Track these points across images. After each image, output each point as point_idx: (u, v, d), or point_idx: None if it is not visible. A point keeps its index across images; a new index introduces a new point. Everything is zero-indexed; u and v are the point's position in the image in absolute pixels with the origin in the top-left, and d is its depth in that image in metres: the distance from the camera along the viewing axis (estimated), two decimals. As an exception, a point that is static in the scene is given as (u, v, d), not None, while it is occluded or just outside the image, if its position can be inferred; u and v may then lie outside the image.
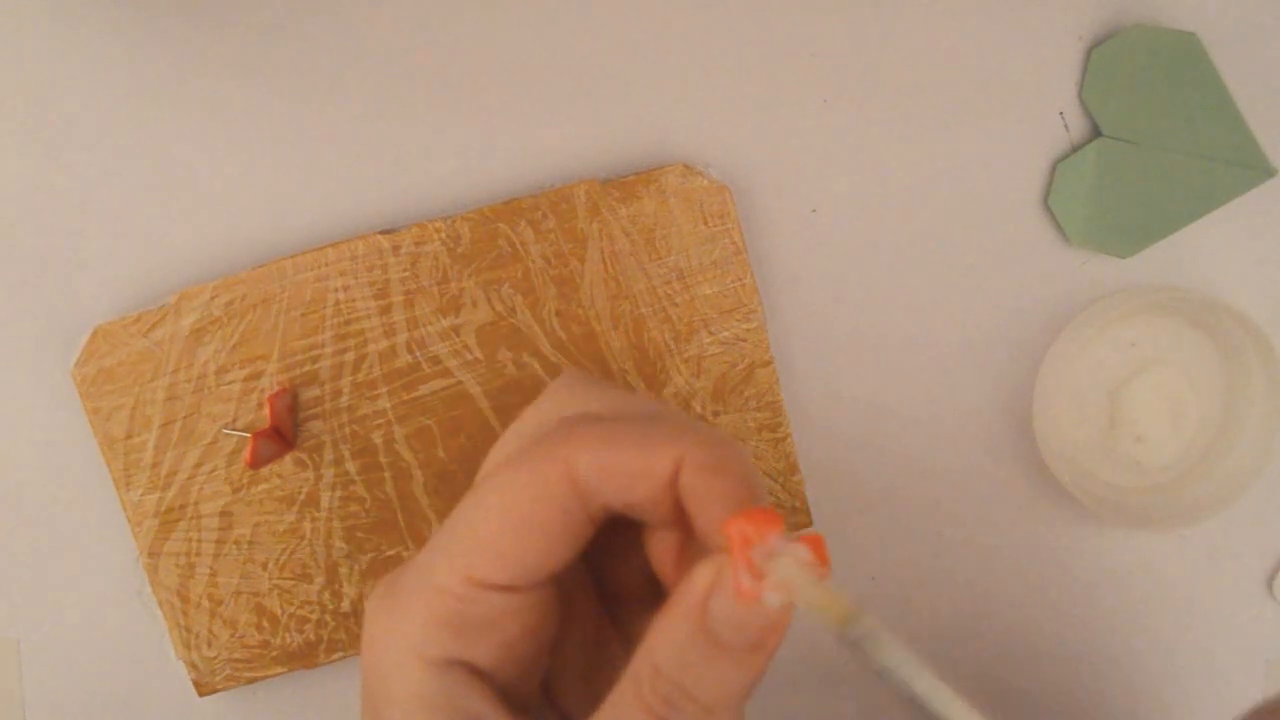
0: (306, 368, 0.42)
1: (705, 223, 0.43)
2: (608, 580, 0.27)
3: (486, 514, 0.23)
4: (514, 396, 0.43)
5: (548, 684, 0.26)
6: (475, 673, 0.24)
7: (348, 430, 0.43)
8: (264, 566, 0.43)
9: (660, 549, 0.25)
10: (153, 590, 0.43)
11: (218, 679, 0.44)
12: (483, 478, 0.25)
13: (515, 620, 0.24)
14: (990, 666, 0.47)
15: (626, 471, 0.23)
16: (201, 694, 0.44)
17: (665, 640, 0.22)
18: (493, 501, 0.23)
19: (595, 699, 0.26)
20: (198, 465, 0.42)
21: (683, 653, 0.22)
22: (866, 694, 0.47)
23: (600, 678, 0.27)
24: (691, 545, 0.24)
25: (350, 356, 0.42)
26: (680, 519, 0.24)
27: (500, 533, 0.23)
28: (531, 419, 0.26)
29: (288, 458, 0.42)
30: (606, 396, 0.26)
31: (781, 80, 0.44)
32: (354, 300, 0.42)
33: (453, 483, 0.43)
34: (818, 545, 0.22)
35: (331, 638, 0.44)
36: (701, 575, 0.22)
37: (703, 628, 0.22)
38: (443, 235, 0.42)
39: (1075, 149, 0.44)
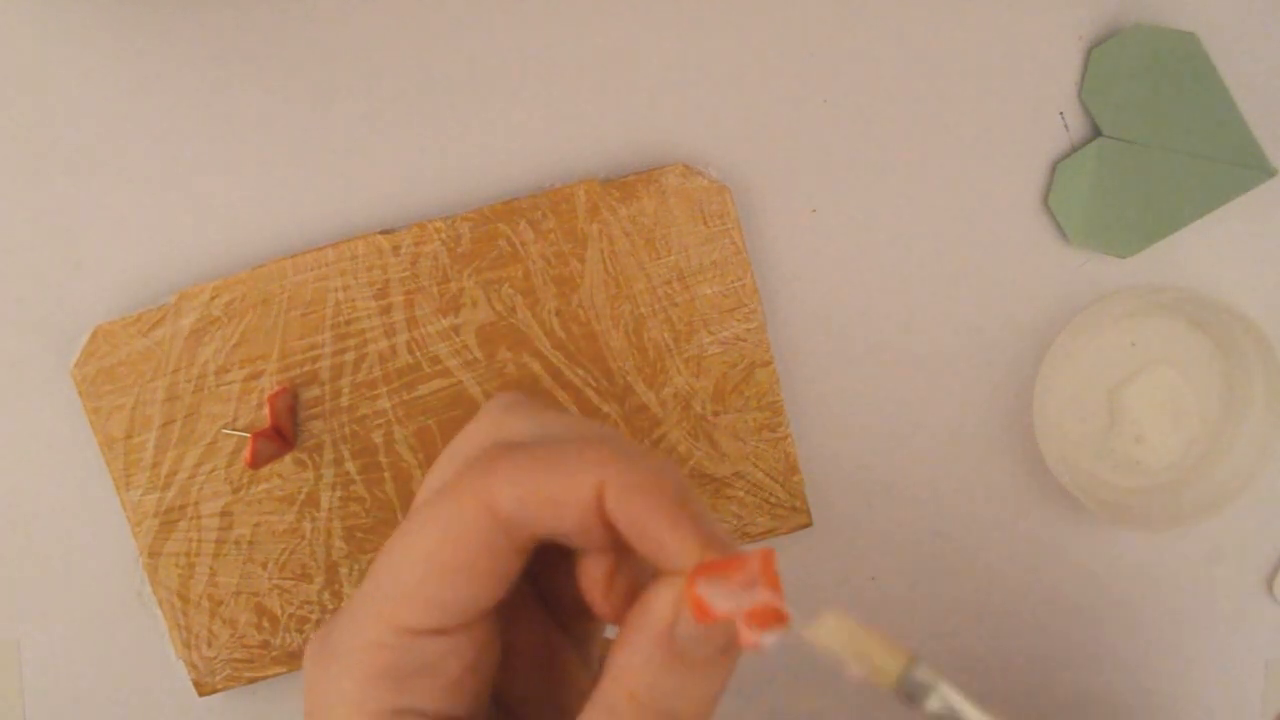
0: (306, 368, 0.42)
1: (705, 223, 0.43)
2: (550, 590, 0.27)
3: (410, 559, 0.23)
4: (514, 396, 0.43)
5: (502, 696, 0.26)
6: (424, 717, 0.23)
7: (348, 430, 0.43)
8: (264, 566, 0.43)
9: (589, 575, 0.24)
10: (153, 590, 0.43)
11: (218, 679, 0.44)
12: (412, 511, 0.25)
13: (455, 660, 0.23)
14: (990, 666, 0.47)
15: (548, 501, 0.22)
16: (201, 694, 0.44)
17: (636, 668, 0.22)
18: (415, 545, 0.23)
19: (554, 706, 0.26)
20: (198, 465, 0.42)
21: (657, 678, 0.22)
22: (863, 693, 0.47)
23: (555, 684, 0.27)
24: (624, 568, 0.24)
25: (350, 356, 0.42)
26: (613, 542, 0.23)
27: (425, 578, 0.22)
28: (463, 444, 0.26)
29: (288, 458, 0.42)
30: (537, 420, 0.25)
31: (781, 80, 0.44)
32: (354, 300, 0.42)
33: (453, 483, 0.43)
34: (768, 562, 0.21)
35: (331, 638, 0.44)
36: (662, 601, 0.22)
37: (673, 651, 0.22)
38: (443, 235, 0.42)
39: (1075, 149, 0.44)
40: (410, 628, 0.23)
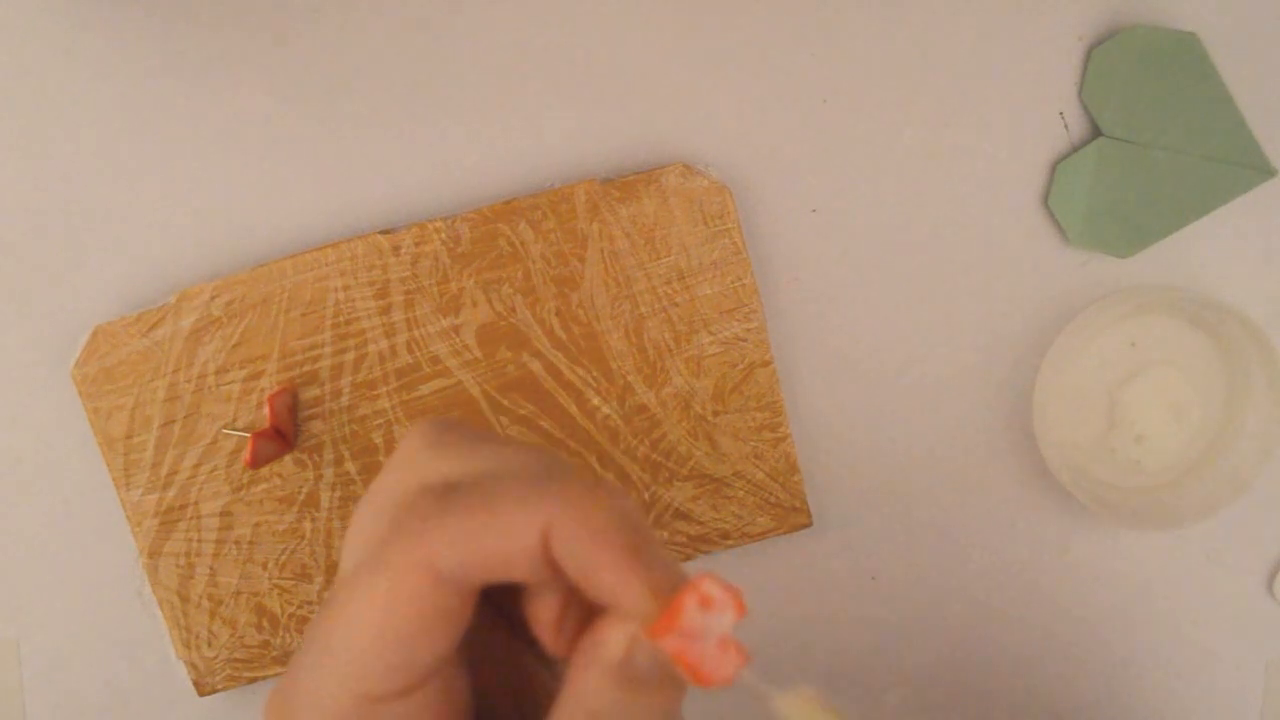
0: (306, 368, 0.42)
1: (705, 223, 0.43)
2: (510, 607, 0.27)
3: (361, 631, 0.22)
4: (514, 396, 0.43)
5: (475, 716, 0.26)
6: None
7: (348, 430, 0.43)
8: (264, 566, 0.43)
9: (538, 617, 0.24)
10: (153, 590, 0.43)
11: (218, 679, 0.44)
12: (351, 578, 0.24)
13: (426, 712, 0.23)
14: (990, 665, 0.47)
15: (491, 557, 0.22)
16: (201, 694, 0.44)
17: (593, 692, 0.22)
18: (364, 617, 0.22)
19: (525, 716, 0.26)
20: (198, 465, 0.42)
21: (616, 700, 0.22)
22: (865, 694, 0.47)
23: (525, 697, 0.27)
24: (573, 604, 0.24)
25: (350, 356, 0.42)
26: (561, 578, 0.23)
27: (381, 650, 0.22)
28: (385, 494, 0.25)
29: (288, 458, 0.42)
30: (464, 455, 0.25)
31: (781, 80, 0.44)
32: (354, 300, 0.42)
33: (453, 483, 0.43)
34: (736, 596, 0.22)
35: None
36: (615, 639, 0.22)
37: (629, 677, 0.22)
38: (443, 235, 0.42)
39: (1075, 149, 0.44)
40: (374, 695, 0.22)
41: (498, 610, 0.27)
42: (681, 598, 0.21)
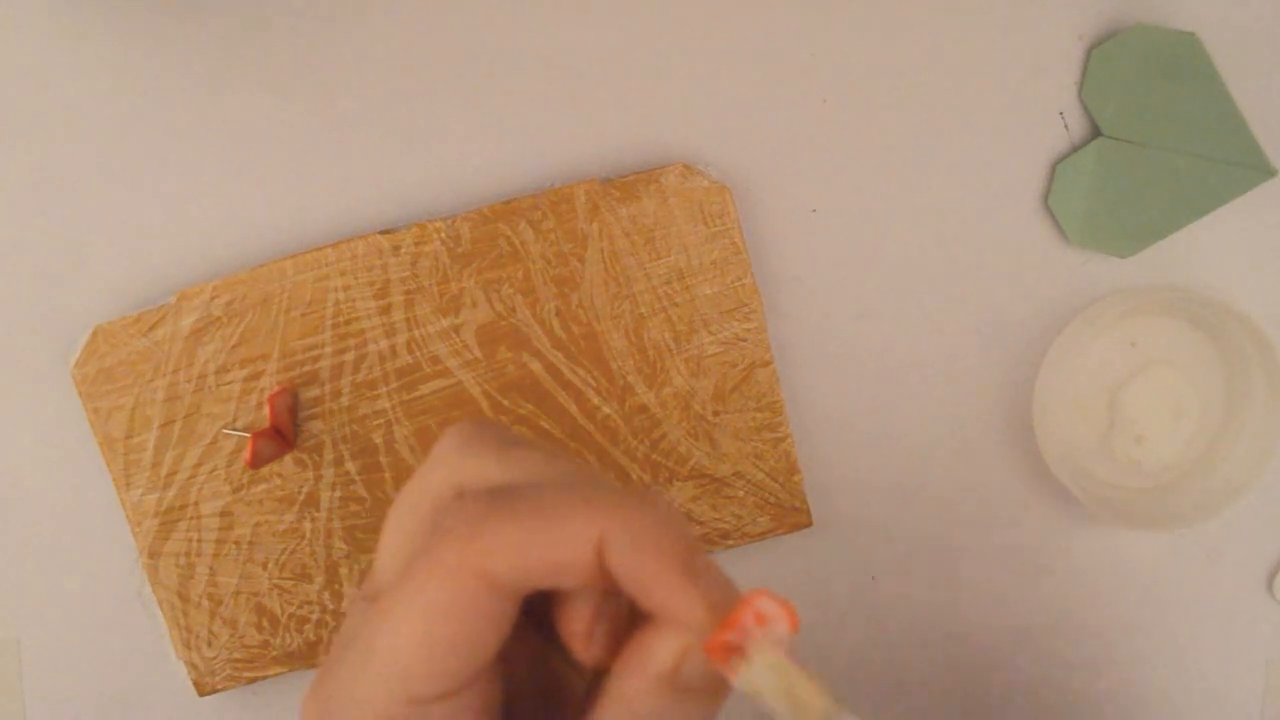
0: (306, 368, 0.42)
1: (705, 223, 0.43)
2: (532, 605, 0.27)
3: (411, 633, 0.23)
4: (514, 396, 0.43)
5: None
6: None
7: (348, 430, 0.43)
8: (264, 566, 0.43)
9: (569, 625, 0.24)
10: (153, 590, 0.43)
11: (218, 679, 0.44)
12: (390, 573, 0.24)
13: (469, 713, 0.23)
14: (990, 666, 0.47)
15: (545, 565, 0.22)
16: (201, 694, 0.44)
17: (640, 697, 0.23)
18: (414, 620, 0.23)
19: (547, 707, 0.26)
20: (198, 465, 0.42)
21: (662, 706, 0.23)
22: (866, 694, 0.47)
23: (547, 687, 0.27)
24: (605, 611, 0.24)
25: (350, 356, 0.42)
26: (601, 582, 0.23)
27: (430, 652, 0.22)
28: (426, 485, 0.25)
29: (288, 458, 0.42)
30: (502, 460, 0.25)
31: (781, 80, 0.44)
32: (354, 300, 0.42)
33: (453, 483, 0.43)
34: (789, 612, 0.23)
35: (331, 638, 0.44)
36: (665, 649, 0.23)
37: (676, 685, 0.23)
38: (443, 235, 0.42)
39: (1075, 149, 0.44)
40: (421, 698, 0.23)
41: (525, 609, 0.27)
42: (738, 614, 0.22)
